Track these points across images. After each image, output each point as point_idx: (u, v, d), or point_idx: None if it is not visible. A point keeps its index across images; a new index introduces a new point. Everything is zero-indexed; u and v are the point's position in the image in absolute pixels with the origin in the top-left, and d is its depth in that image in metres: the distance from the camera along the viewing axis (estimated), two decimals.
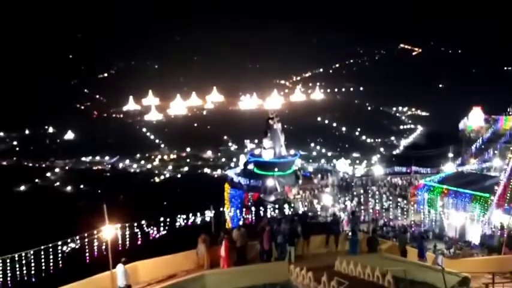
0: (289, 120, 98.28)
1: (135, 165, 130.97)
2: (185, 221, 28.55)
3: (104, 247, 21.86)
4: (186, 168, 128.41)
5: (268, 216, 33.70)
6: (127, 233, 24.57)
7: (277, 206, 38.44)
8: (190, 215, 28.71)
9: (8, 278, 19.19)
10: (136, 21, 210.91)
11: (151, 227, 26.41)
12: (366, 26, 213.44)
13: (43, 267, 20.92)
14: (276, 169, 48.37)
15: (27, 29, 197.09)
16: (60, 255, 21.50)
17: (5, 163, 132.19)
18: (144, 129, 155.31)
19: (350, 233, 25.54)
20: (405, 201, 45.92)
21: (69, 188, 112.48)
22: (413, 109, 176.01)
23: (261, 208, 34.96)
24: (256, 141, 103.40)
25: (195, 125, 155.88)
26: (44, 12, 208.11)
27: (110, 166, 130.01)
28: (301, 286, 22.04)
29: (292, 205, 41.44)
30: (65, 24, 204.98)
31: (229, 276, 23.18)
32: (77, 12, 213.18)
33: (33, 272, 20.47)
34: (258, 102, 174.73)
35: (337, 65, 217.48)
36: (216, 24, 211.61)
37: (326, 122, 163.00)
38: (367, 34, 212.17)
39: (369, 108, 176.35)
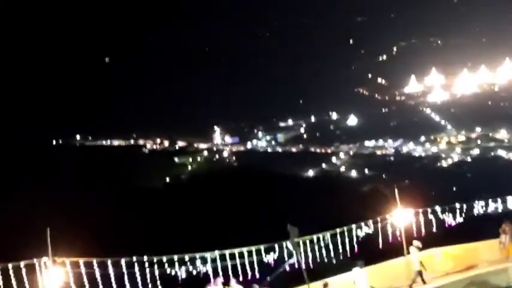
0: None
1: (419, 149, 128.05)
2: (484, 208, 26.04)
3: (397, 232, 21.36)
4: (476, 151, 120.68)
5: None
6: (421, 219, 23.41)
7: None
8: (490, 200, 26.07)
9: (310, 258, 20.41)
10: None
11: (446, 213, 24.72)
12: None
13: (340, 251, 21.47)
14: None
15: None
16: (355, 239, 21.72)
17: (294, 150, 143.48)
18: (427, 111, 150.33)
19: None
20: None
21: (353, 172, 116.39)
22: None
23: None
24: None
25: (489, 102, 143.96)
26: None
27: (393, 150, 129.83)
28: None
29: None
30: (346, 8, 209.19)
31: None
32: None
33: (332, 254, 21.22)
34: None
35: None
36: None
37: None
38: None
39: None
